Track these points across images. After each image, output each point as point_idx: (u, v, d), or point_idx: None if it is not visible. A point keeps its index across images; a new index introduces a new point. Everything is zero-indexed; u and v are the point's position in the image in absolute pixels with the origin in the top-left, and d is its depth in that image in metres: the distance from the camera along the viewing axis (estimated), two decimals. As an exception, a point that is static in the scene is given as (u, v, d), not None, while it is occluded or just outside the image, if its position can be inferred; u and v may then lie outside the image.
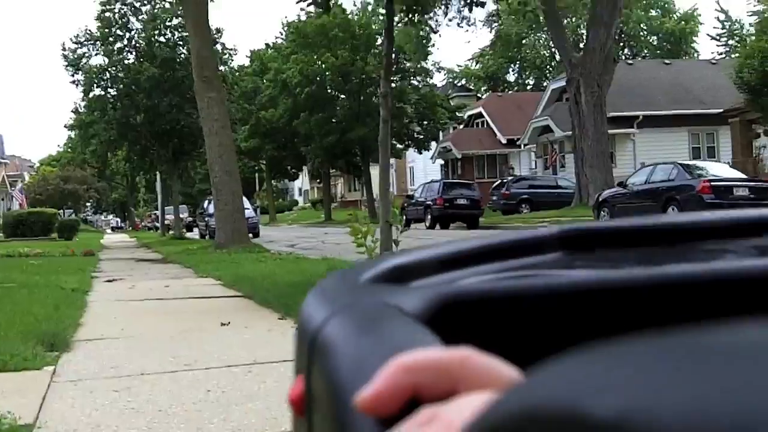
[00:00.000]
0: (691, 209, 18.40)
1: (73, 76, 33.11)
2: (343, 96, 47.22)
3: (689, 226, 0.74)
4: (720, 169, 19.53)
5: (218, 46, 31.13)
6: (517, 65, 73.06)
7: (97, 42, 32.73)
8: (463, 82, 71.46)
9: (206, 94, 19.33)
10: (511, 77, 74.40)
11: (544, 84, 71.13)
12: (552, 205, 34.51)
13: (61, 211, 63.95)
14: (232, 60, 33.92)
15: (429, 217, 32.40)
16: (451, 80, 70.94)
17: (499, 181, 41.03)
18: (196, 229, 43.76)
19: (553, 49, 71.75)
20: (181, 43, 33.22)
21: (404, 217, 35.47)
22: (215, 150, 19.43)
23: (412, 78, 47.02)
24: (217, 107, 19.45)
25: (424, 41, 46.03)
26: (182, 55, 33.26)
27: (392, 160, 61.93)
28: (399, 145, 48.29)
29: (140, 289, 10.46)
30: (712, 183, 18.01)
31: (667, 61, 50.60)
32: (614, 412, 0.23)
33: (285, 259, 14.92)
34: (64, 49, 32.64)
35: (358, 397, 0.37)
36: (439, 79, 51.70)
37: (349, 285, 0.55)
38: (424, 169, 61.22)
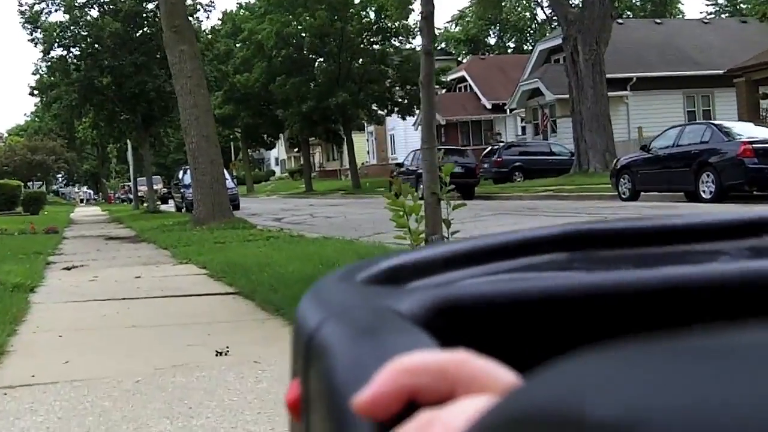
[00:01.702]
0: (731, 175, 16.47)
1: (31, 34, 30.44)
2: (320, 59, 44.85)
3: (690, 227, 0.73)
4: (753, 130, 17.51)
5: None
6: (497, 28, 70.93)
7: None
8: (443, 45, 69.18)
9: (177, 47, 17.02)
10: (491, 40, 72.30)
11: (525, 47, 69.46)
12: (546, 172, 32.59)
13: (30, 183, 61.53)
14: (208, 15, 31.40)
15: (421, 186, 30.19)
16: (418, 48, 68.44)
17: (489, 147, 38.97)
18: (171, 201, 41.53)
19: (535, 11, 69.77)
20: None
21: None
22: (189, 111, 17.17)
23: (393, 38, 44.65)
24: (190, 62, 17.17)
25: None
26: (150, 11, 30.76)
27: (372, 127, 60.23)
28: (380, 111, 46.11)
29: (104, 282, 8.33)
30: (754, 145, 15.98)
31: (658, 21, 48.78)
32: (615, 413, 0.23)
33: (279, 238, 12.80)
34: (20, 5, 29.99)
35: (356, 399, 0.37)
36: (418, 42, 49.44)
37: (346, 286, 0.55)
38: (405, 136, 59.15)
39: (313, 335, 0.47)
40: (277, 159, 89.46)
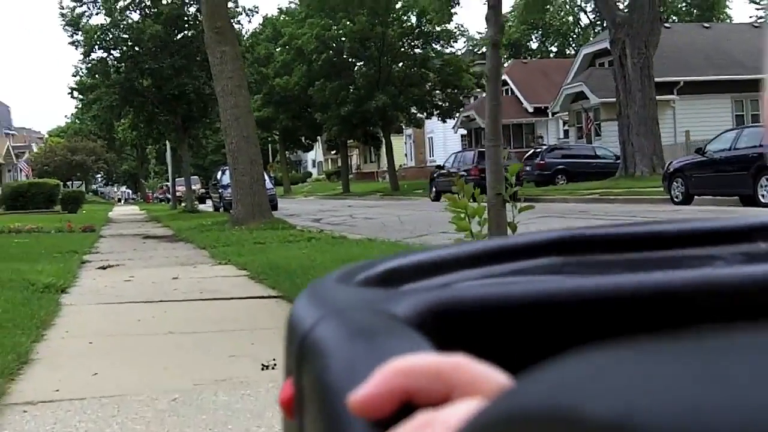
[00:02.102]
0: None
1: (72, 36, 30.27)
2: (360, 63, 44.46)
3: (683, 233, 0.74)
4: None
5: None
6: (540, 33, 70.06)
7: (98, -1, 29.93)
8: (484, 49, 68.36)
9: (219, 48, 16.68)
10: (533, 45, 71.46)
11: (567, 52, 68.52)
12: (590, 176, 31.87)
13: (70, 182, 61.84)
14: (250, 20, 31.09)
15: (461, 188, 29.64)
16: (471, 48, 67.95)
17: (532, 150, 38.28)
18: (209, 201, 41.33)
19: (578, 16, 68.83)
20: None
21: (434, 189, 33.41)
22: (230, 112, 16.80)
23: (434, 42, 44.11)
24: (231, 63, 16.82)
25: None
26: (191, 13, 30.50)
27: (410, 130, 59.73)
28: (419, 114, 45.60)
29: (139, 283, 7.90)
30: (819, 149, 15.21)
31: (706, 25, 47.78)
32: (608, 412, 0.23)
33: (320, 239, 12.33)
34: (61, 7, 29.86)
35: (351, 397, 0.37)
36: (458, 47, 48.74)
37: (341, 287, 0.56)
38: (444, 139, 58.67)
39: (307, 335, 0.47)
40: (314, 161, 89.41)
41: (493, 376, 0.37)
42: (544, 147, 38.37)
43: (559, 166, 34.49)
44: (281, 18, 52.74)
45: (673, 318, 0.55)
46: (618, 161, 31.84)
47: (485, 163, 7.31)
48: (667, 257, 0.70)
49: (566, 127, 45.46)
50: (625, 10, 32.54)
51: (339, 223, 19.92)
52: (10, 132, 76.19)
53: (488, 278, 0.63)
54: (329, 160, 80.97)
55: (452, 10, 42.68)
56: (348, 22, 40.92)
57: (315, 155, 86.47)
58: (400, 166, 59.04)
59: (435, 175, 32.97)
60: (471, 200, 5.50)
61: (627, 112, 30.41)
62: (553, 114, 47.12)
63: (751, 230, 0.74)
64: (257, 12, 43.42)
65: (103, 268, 9.67)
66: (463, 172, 30.45)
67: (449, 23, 43.51)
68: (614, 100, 33.47)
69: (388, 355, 0.39)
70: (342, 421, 0.38)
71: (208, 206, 37.27)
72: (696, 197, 18.41)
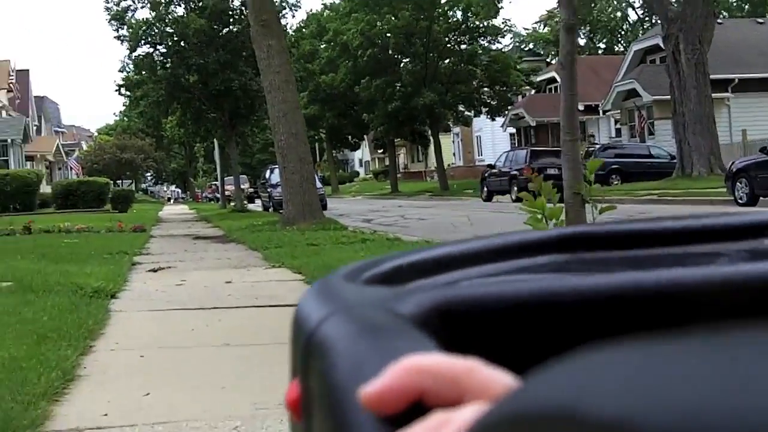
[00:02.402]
0: None
1: (117, 31, 30.26)
2: (406, 60, 43.92)
3: (687, 229, 0.74)
4: None
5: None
6: (587, 29, 69.01)
7: (143, -8, 29.87)
8: (531, 46, 67.62)
9: (265, 42, 16.37)
10: (581, 41, 70.36)
11: (616, 48, 67.38)
12: (644, 176, 31.08)
13: (119, 181, 62.28)
14: (293, 14, 30.79)
15: (515, 188, 29.12)
16: (517, 44, 67.14)
17: (585, 149, 37.54)
18: (257, 201, 41.20)
19: (626, 12, 67.63)
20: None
21: (485, 189, 32.86)
22: (277, 108, 16.50)
23: (480, 38, 43.42)
24: (278, 57, 16.50)
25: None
26: (236, 8, 30.31)
27: (458, 129, 59.09)
28: (467, 112, 44.97)
29: (192, 287, 7.58)
30: None
31: (759, 20, 46.56)
32: (616, 412, 0.23)
33: (374, 241, 11.96)
34: (107, 1, 29.85)
35: (363, 390, 0.37)
36: (504, 44, 48.03)
37: (347, 285, 0.56)
38: (492, 138, 58.05)
39: (313, 334, 0.47)
40: (360, 160, 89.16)
41: (505, 381, 0.37)
42: (597, 146, 37.61)
43: (613, 166, 33.71)
44: (325, 13, 52.45)
45: (677, 316, 0.55)
46: (673, 161, 31.05)
47: (561, 159, 6.86)
48: (671, 254, 0.69)
49: (618, 126, 44.60)
50: (677, 5, 31.73)
51: (391, 223, 19.55)
52: (60, 130, 77.09)
53: (493, 276, 0.63)
54: (376, 159, 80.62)
55: (499, 5, 42.16)
56: (392, 18, 40.38)
57: (362, 154, 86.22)
58: (449, 165, 58.56)
59: (486, 174, 32.41)
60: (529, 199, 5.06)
61: (682, 110, 29.63)
62: (604, 112, 46.31)
63: (756, 227, 0.73)
64: (300, 7, 43.10)
65: (154, 270, 9.39)
66: (514, 171, 30.05)
67: (495, 18, 42.96)
68: (668, 97, 32.72)
69: (395, 354, 0.39)
70: (350, 420, 0.38)
71: (256, 206, 37.11)
72: (762, 198, 17.70)
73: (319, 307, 0.50)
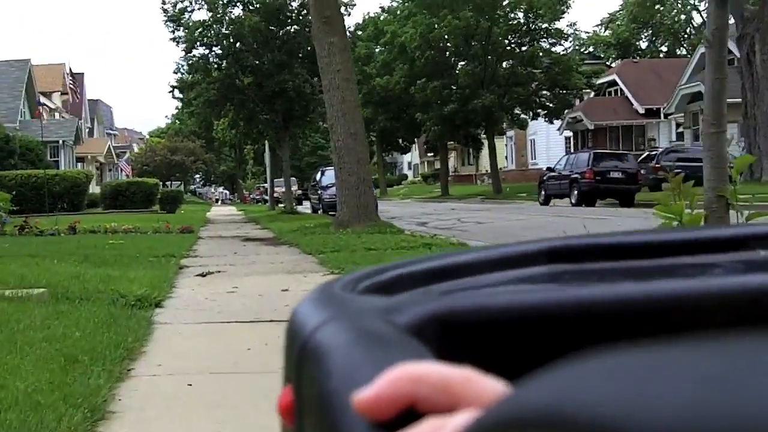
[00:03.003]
0: None
1: (173, 32, 29.73)
2: (463, 62, 43.05)
3: (681, 241, 0.74)
4: None
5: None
6: (649, 32, 67.32)
7: (200, -8, 29.27)
8: (591, 49, 66.21)
9: (327, 39, 15.59)
10: (642, 44, 68.77)
11: (678, 51, 65.63)
12: (708, 181, 29.60)
13: (169, 182, 62.26)
14: (349, 13, 30.14)
15: (576, 192, 28.00)
16: (577, 47, 65.76)
17: (647, 153, 36.23)
18: (305, 203, 40.56)
19: (690, 15, 65.83)
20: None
21: (543, 192, 31.81)
22: (337, 108, 15.70)
23: (542, 40, 42.34)
24: (340, 55, 15.72)
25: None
26: (293, 7, 29.65)
27: (511, 132, 57.94)
28: (523, 115, 43.88)
29: (244, 295, 6.75)
30: None
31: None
32: (610, 417, 0.23)
33: (437, 246, 11.05)
34: (163, 2, 29.32)
35: (357, 396, 0.37)
36: (565, 47, 46.84)
37: (343, 294, 0.57)
38: (546, 141, 56.91)
39: (308, 341, 0.47)
40: (409, 163, 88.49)
41: (499, 389, 0.37)
42: (660, 149, 36.31)
43: (676, 170, 32.33)
44: (383, 17, 51.71)
45: (670, 326, 0.55)
46: (738, 165, 29.68)
47: (702, 155, 5.92)
48: (664, 265, 0.69)
49: (680, 129, 43.19)
50: (753, 5, 30.37)
51: (448, 227, 18.64)
52: (112, 132, 77.49)
53: (489, 286, 0.63)
54: (425, 163, 79.94)
55: (563, 7, 41.03)
56: (453, 19, 39.53)
57: (411, 157, 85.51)
58: (501, 168, 57.56)
59: (545, 177, 31.31)
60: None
61: (754, 113, 28.32)
62: (667, 116, 44.96)
63: (750, 238, 0.73)
64: (355, 5, 42.29)
65: (203, 275, 8.58)
66: (576, 175, 28.94)
67: (559, 21, 41.85)
68: (735, 100, 31.35)
69: (389, 363, 0.39)
70: (342, 426, 0.38)
71: (305, 208, 36.41)
72: None
73: (315, 314, 0.50)
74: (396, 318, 0.49)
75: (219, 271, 8.93)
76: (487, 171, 65.65)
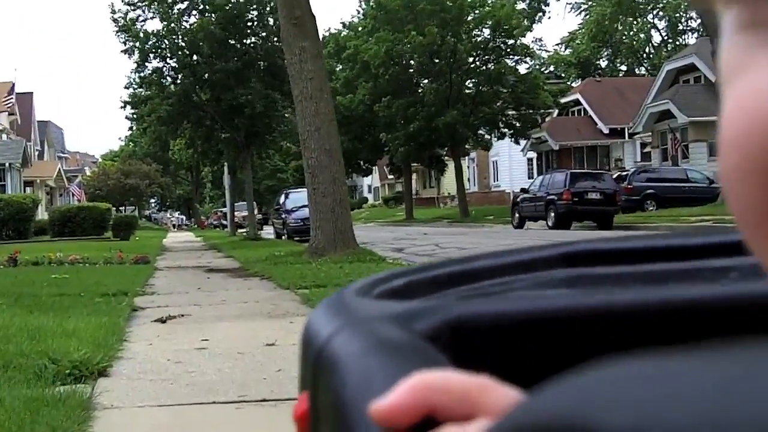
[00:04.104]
0: None
1: (125, 44, 27.92)
2: (426, 80, 41.87)
3: (698, 245, 0.73)
4: None
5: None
6: (609, 50, 66.96)
7: (153, 1, 27.47)
8: (552, 68, 65.57)
9: (297, 43, 14.06)
10: (602, 63, 68.43)
11: (637, 70, 65.22)
12: (682, 201, 28.63)
13: (123, 207, 60.13)
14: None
15: (552, 214, 26.70)
16: (538, 66, 65.06)
17: (617, 173, 35.19)
18: (266, 228, 38.84)
19: (650, 33, 65.56)
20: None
21: (516, 215, 30.53)
22: (309, 121, 14.16)
23: (507, 58, 41.29)
24: (312, 62, 14.20)
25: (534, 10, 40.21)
26: (252, 18, 28.09)
27: (474, 154, 56.84)
28: (487, 136, 42.72)
29: (219, 353, 5.15)
30: None
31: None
32: (625, 425, 0.23)
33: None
34: (113, 11, 27.56)
35: (375, 405, 0.36)
36: (529, 65, 45.94)
37: (358, 300, 0.56)
38: (509, 163, 56.05)
39: (323, 348, 0.47)
40: (369, 186, 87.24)
41: (517, 399, 0.37)
42: (630, 170, 35.28)
43: (649, 191, 31.41)
44: (344, 33, 50.39)
45: (688, 332, 0.55)
46: (713, 185, 28.70)
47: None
48: (681, 269, 0.68)
49: (647, 149, 42.34)
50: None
51: (428, 253, 17.16)
52: (64, 155, 75.13)
53: (504, 292, 0.63)
54: (386, 186, 78.74)
55: (537, 16, 40.02)
56: (418, 36, 38.31)
57: (371, 180, 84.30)
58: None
59: (518, 199, 30.01)
60: None
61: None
62: (631, 135, 44.20)
63: None
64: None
65: (162, 321, 6.95)
66: (552, 196, 27.66)
67: (524, 36, 40.84)
68: (704, 118, 30.51)
69: (405, 370, 0.39)
70: None
71: (267, 233, 34.66)
72: None
73: (330, 322, 0.50)
74: (412, 324, 0.49)
75: (182, 315, 7.30)
76: (449, 193, 64.53)
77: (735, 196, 0.30)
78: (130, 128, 45.99)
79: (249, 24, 28.30)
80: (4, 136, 48.79)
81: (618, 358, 0.27)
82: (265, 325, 6.50)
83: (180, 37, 27.97)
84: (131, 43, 27.73)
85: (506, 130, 41.76)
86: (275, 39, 27.62)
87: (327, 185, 14.14)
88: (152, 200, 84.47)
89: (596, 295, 0.58)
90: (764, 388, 0.22)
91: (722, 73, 0.31)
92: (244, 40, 28.47)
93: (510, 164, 55.32)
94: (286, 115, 29.53)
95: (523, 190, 30.25)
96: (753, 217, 0.30)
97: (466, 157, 58.50)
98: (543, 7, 54.84)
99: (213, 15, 27.64)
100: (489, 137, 43.13)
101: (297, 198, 28.99)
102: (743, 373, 0.23)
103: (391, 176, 70.54)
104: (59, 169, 54.69)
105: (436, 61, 40.29)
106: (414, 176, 68.92)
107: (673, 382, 0.24)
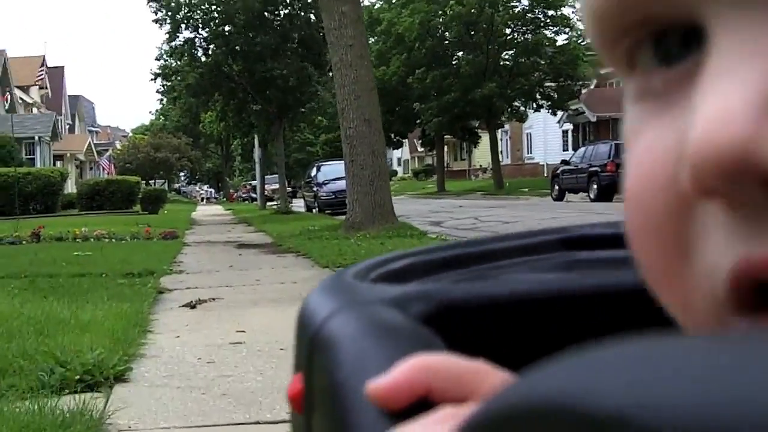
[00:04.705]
0: None
1: (156, 13, 27.06)
2: (461, 53, 40.85)
3: None
4: None
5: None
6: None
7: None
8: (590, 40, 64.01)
9: (337, 7, 13.21)
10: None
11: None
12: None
13: (153, 181, 59.73)
14: None
15: (595, 186, 25.76)
16: (576, 38, 63.50)
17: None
18: (295, 201, 38.12)
19: None
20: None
21: (556, 187, 29.60)
22: (348, 89, 13.33)
23: (545, 29, 40.12)
24: (353, 27, 13.35)
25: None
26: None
27: (507, 126, 55.69)
28: (522, 108, 41.64)
29: (258, 349, 4.38)
30: None
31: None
32: (619, 406, 0.23)
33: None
34: (143, -20, 26.78)
35: (371, 385, 0.38)
36: (562, 39, 44.60)
37: (354, 283, 0.57)
38: (544, 135, 54.80)
39: (319, 330, 0.48)
40: (399, 159, 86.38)
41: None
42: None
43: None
44: (377, 5, 49.34)
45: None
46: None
47: None
48: None
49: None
50: None
51: (469, 227, 16.34)
52: (94, 129, 74.98)
53: (501, 276, 0.62)
54: (416, 158, 77.94)
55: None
56: (456, 5, 37.30)
57: (401, 153, 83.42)
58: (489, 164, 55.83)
59: (559, 171, 29.04)
60: None
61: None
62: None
63: None
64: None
65: (192, 306, 6.19)
66: (595, 168, 26.68)
67: (563, 7, 39.58)
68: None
69: (401, 352, 0.40)
70: (351, 415, 0.39)
71: (297, 206, 33.96)
72: None
73: (326, 304, 0.50)
74: (407, 307, 0.50)
75: (213, 299, 6.54)
76: (481, 166, 63.54)
77: (638, 254, 0.34)
78: (161, 101, 45.26)
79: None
80: (35, 110, 48.45)
81: (612, 340, 0.28)
82: (307, 312, 5.73)
83: (213, 6, 27.11)
84: (162, 13, 26.89)
85: (543, 101, 40.68)
86: (311, 11, 26.69)
87: (366, 157, 13.34)
88: (182, 174, 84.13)
89: (592, 278, 0.58)
90: (760, 371, 0.22)
91: (624, 139, 0.34)
92: (279, 11, 27.56)
93: (544, 136, 54.17)
94: (319, 92, 28.70)
95: (564, 162, 29.26)
96: (654, 274, 0.34)
97: (499, 130, 57.50)
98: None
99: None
100: (524, 109, 42.10)
101: (329, 171, 28.30)
102: (738, 355, 0.23)
103: (421, 149, 69.69)
104: (89, 142, 54.33)
105: (473, 32, 39.28)
106: (445, 149, 68.03)
107: (665, 364, 0.24)
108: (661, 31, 0.32)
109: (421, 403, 0.37)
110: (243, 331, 4.97)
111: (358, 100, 13.20)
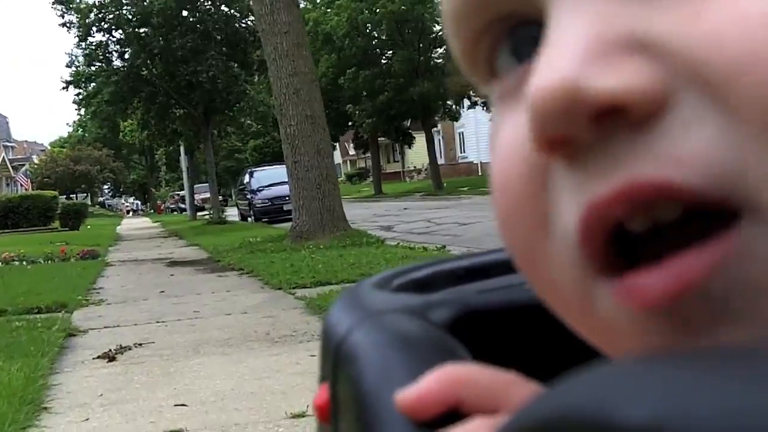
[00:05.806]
0: None
1: (62, 16, 24.95)
2: (390, 52, 39.74)
3: None
4: None
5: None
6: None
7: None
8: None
9: (269, -8, 11.62)
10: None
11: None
12: None
13: (74, 195, 57.16)
14: None
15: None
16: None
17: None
18: (228, 210, 36.29)
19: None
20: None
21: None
22: (286, 82, 11.77)
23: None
24: (286, 12, 11.82)
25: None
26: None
27: (439, 125, 54.75)
28: (455, 106, 40.62)
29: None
30: None
31: None
32: (647, 418, 0.23)
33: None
34: (47, -20, 24.77)
35: (401, 395, 0.38)
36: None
37: (378, 293, 0.56)
38: (476, 134, 54.25)
39: (344, 340, 0.48)
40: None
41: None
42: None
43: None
44: (302, 5, 47.91)
45: None
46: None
47: None
48: None
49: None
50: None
51: (424, 231, 14.95)
52: (9, 144, 71.83)
53: (524, 283, 0.57)
54: (348, 162, 76.76)
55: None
56: (387, 2, 36.18)
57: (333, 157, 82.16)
58: (423, 164, 55.15)
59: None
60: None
61: None
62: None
63: None
64: None
65: (110, 358, 4.57)
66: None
67: None
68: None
69: (426, 362, 0.40)
70: (379, 425, 0.39)
71: (231, 215, 32.08)
72: None
73: (349, 314, 0.50)
74: (431, 316, 0.50)
75: (139, 344, 4.93)
76: (415, 167, 62.54)
77: (506, 241, 0.35)
78: (78, 111, 42.94)
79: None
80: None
81: (641, 351, 0.27)
82: (270, 362, 4.17)
83: (126, 5, 25.13)
84: (70, 15, 24.82)
85: (478, 98, 39.67)
86: (235, 5, 25.04)
87: (310, 157, 11.78)
88: (105, 186, 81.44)
89: None
90: None
91: (489, 140, 0.36)
92: (198, 5, 25.74)
93: (477, 135, 53.64)
94: (247, 91, 27.07)
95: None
96: (523, 255, 0.35)
97: (432, 129, 56.56)
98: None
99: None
100: (457, 107, 41.11)
101: (263, 176, 26.72)
102: None
103: (353, 152, 68.42)
104: (4, 158, 51.66)
105: (403, 30, 38.21)
106: (378, 151, 66.88)
107: (697, 377, 0.24)
108: (515, 30, 0.33)
109: (450, 414, 0.37)
110: (184, 405, 3.39)
111: (298, 95, 11.65)
